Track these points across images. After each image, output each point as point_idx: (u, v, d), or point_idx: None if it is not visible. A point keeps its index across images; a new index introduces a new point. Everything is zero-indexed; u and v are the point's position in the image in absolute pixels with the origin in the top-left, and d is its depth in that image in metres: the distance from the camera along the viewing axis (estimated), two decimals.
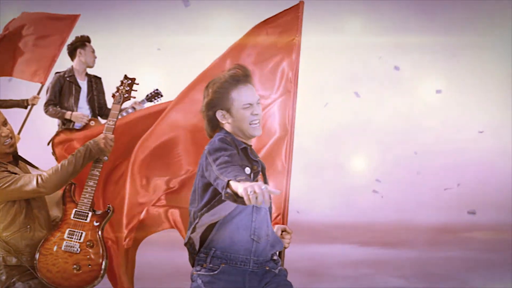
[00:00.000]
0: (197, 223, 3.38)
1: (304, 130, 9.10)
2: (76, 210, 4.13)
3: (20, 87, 8.26)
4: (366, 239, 8.18)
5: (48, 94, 7.14)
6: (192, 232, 3.40)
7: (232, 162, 3.20)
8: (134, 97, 4.41)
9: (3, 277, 4.05)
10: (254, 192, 2.81)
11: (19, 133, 6.80)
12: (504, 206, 9.16)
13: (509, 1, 9.62)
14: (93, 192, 4.13)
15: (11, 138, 4.13)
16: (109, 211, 4.15)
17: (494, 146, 9.67)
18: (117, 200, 4.27)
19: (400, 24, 9.73)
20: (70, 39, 7.24)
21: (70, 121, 7.04)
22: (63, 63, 7.36)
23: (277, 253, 3.61)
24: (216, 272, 3.38)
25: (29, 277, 4.08)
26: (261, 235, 3.43)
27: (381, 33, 9.69)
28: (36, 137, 8.13)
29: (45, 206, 4.24)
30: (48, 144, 6.93)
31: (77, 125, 7.02)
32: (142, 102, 6.70)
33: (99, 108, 7.27)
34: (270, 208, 3.57)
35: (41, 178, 4.03)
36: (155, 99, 6.68)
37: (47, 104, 7.10)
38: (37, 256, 4.03)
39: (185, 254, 3.51)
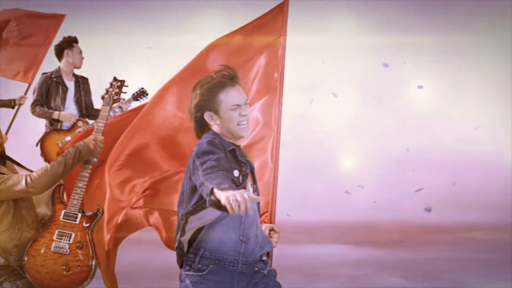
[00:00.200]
0: (185, 225, 3.38)
1: (293, 130, 9.15)
2: (65, 211, 4.14)
3: (8, 86, 8.24)
4: (360, 239, 8.14)
5: (35, 95, 7.13)
6: (181, 236, 3.40)
7: (219, 167, 3.20)
8: (124, 99, 4.43)
9: None
10: (236, 200, 2.84)
11: (6, 133, 6.79)
12: (504, 206, 9.13)
13: (509, 1, 9.60)
14: (82, 193, 4.15)
15: None
16: (98, 212, 4.17)
17: (494, 146, 9.66)
18: (97, 202, 4.29)
19: (397, 24, 9.67)
20: (58, 39, 7.23)
21: (57, 121, 7.03)
22: (50, 63, 7.36)
23: (266, 253, 3.61)
24: (204, 272, 3.38)
25: (16, 277, 4.09)
26: (250, 236, 3.43)
27: (381, 33, 9.62)
28: (23, 137, 8.13)
29: (33, 207, 4.26)
30: (37, 145, 6.96)
31: (65, 125, 7.02)
32: (129, 101, 6.70)
33: (86, 109, 7.28)
34: (259, 208, 3.59)
35: (30, 178, 4.04)
36: (141, 97, 6.69)
37: (34, 105, 7.10)
38: (25, 257, 4.04)
39: (174, 254, 3.52)
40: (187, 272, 3.41)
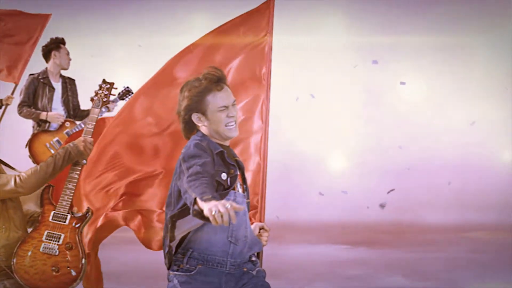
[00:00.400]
0: (174, 229, 3.39)
1: (282, 129, 9.14)
2: (54, 212, 4.16)
3: None
4: (357, 239, 8.13)
5: (22, 96, 7.13)
6: (171, 241, 3.42)
7: (203, 173, 3.20)
8: (113, 101, 4.47)
9: None
10: (219, 211, 2.85)
11: None
12: (504, 206, 9.11)
13: (509, 1, 9.58)
14: (72, 194, 4.17)
15: None
16: (88, 214, 4.19)
17: (494, 145, 9.64)
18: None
19: (394, 23, 9.64)
20: (45, 39, 7.22)
21: (45, 121, 7.05)
22: (37, 63, 7.36)
23: (256, 254, 3.63)
24: (192, 272, 3.39)
25: (4, 277, 4.10)
26: (239, 236, 3.44)
27: (379, 32, 9.60)
28: (11, 137, 8.12)
29: (20, 207, 4.27)
30: (26, 146, 6.96)
31: (53, 125, 7.03)
32: (115, 100, 6.72)
33: (73, 109, 7.29)
34: (248, 208, 3.58)
35: (20, 179, 4.06)
36: (127, 96, 6.70)
37: (21, 106, 7.10)
38: (14, 258, 4.05)
39: (162, 254, 3.53)
40: (175, 272, 3.42)
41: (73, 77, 7.39)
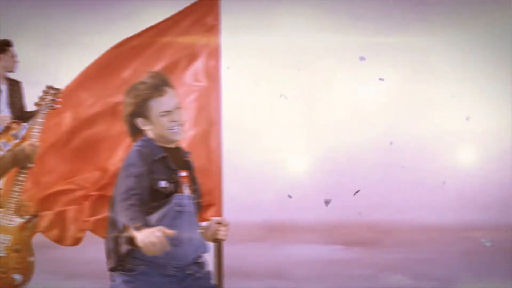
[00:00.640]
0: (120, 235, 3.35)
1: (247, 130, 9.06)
2: (2, 215, 4.22)
3: None
4: (353, 239, 8.08)
5: None
6: (119, 246, 3.39)
7: (136, 188, 3.22)
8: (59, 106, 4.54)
9: None
10: (151, 242, 2.96)
11: None
12: (504, 206, 8.87)
13: (509, 1, 9.50)
14: (19, 197, 4.24)
15: None
16: (36, 216, 4.26)
17: (494, 146, 9.45)
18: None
19: (390, 23, 9.55)
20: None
21: None
22: None
23: (203, 256, 3.62)
24: (135, 272, 3.40)
25: None
26: (183, 239, 3.42)
27: (379, 32, 9.40)
28: None
29: None
30: None
31: None
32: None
33: (19, 111, 7.29)
34: (197, 209, 3.58)
35: None
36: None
37: None
38: None
39: None
40: (119, 272, 3.44)
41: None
